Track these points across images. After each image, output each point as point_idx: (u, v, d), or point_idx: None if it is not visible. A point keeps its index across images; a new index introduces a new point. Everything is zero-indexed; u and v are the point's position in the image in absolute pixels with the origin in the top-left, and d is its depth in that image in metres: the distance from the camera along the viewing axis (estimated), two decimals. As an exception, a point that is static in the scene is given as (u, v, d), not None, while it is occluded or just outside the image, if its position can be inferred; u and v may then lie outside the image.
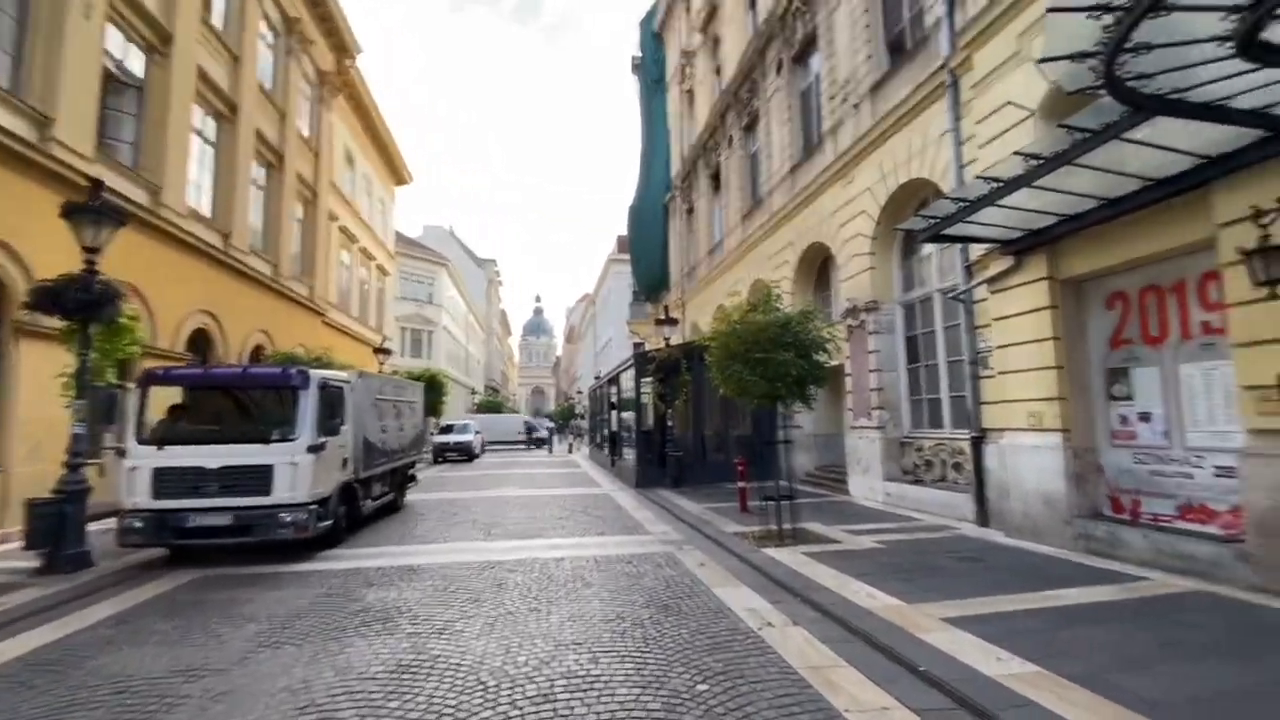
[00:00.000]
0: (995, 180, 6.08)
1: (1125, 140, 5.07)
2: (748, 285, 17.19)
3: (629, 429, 19.61)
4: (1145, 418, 6.89)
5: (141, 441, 7.40)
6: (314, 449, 7.56)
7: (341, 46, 21.98)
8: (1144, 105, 4.49)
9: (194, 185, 13.92)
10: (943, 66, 9.18)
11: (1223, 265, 5.50)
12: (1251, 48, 3.77)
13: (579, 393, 58.39)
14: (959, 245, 8.83)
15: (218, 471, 7.22)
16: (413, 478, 12.69)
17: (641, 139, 30.12)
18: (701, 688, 3.72)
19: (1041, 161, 5.56)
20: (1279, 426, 5.06)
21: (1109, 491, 7.20)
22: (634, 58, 31.63)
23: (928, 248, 10.55)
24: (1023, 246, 7.60)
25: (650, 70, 29.42)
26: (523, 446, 36.64)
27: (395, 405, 11.25)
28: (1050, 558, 6.68)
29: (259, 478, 7.28)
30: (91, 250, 7.24)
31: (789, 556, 6.92)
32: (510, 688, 3.76)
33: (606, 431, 21.99)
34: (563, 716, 3.41)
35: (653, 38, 29.31)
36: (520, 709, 3.50)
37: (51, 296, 7.08)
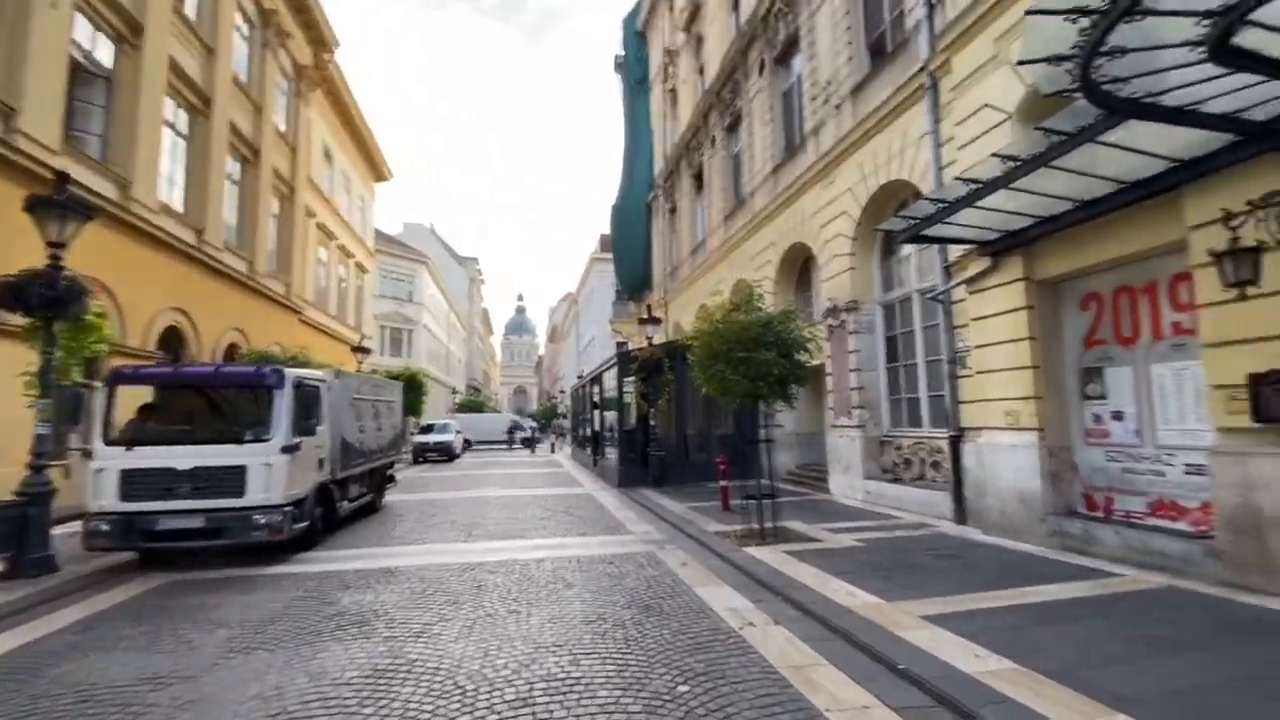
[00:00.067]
0: (973, 181, 6.14)
1: (1100, 143, 5.15)
2: (730, 285, 17.24)
3: (611, 428, 19.58)
4: (1118, 417, 7.02)
5: (109, 442, 7.19)
6: (289, 449, 7.41)
7: (319, 40, 21.63)
8: (1118, 109, 4.56)
9: (166, 179, 13.59)
10: (922, 69, 9.27)
11: (1193, 267, 5.62)
12: (1223, 53, 3.84)
13: (561, 392, 58.18)
14: (938, 246, 8.93)
15: (189, 473, 7.04)
16: (391, 478, 12.53)
17: (625, 138, 30.08)
18: (682, 689, 3.70)
19: (1018, 163, 5.63)
20: (1247, 425, 5.18)
21: (1083, 489, 7.32)
22: (617, 56, 31.56)
23: (907, 249, 10.65)
24: (1000, 248, 7.70)
25: (633, 69, 29.37)
26: (503, 446, 36.42)
27: (373, 405, 11.08)
28: (1026, 555, 6.78)
29: (232, 479, 7.12)
30: (57, 245, 7.02)
31: (770, 555, 6.94)
32: (489, 692, 3.71)
33: (589, 431, 21.93)
34: (542, 720, 3.37)
35: (636, 36, 29.27)
36: (499, 713, 3.45)
37: (14, 292, 6.84)
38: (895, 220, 7.62)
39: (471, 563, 7.14)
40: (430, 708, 3.53)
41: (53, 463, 7.43)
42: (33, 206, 6.98)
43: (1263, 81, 4.27)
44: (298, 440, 7.60)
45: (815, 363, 9.50)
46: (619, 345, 30.31)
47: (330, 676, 3.97)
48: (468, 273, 70.00)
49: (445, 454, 25.72)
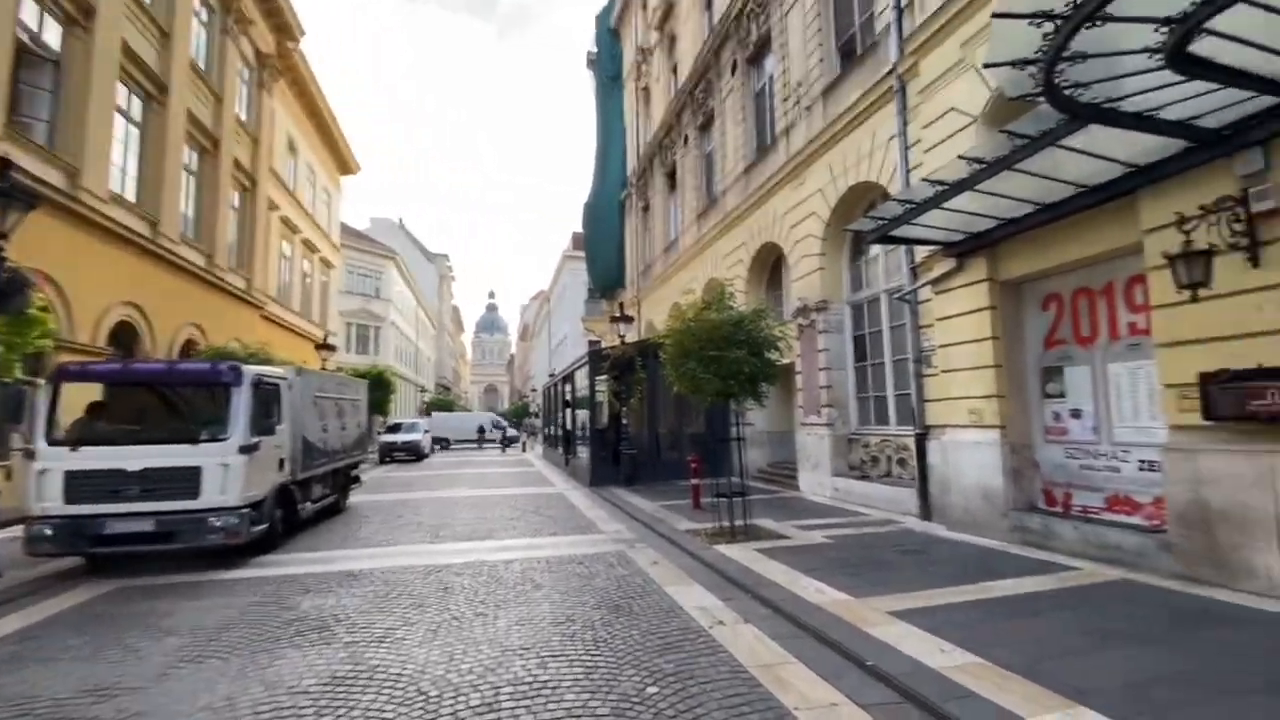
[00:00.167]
0: (940, 183, 6.24)
1: (1061, 147, 5.27)
2: (702, 284, 17.28)
3: (583, 427, 19.47)
4: (1077, 414, 7.22)
5: (52, 442, 6.84)
6: (247, 449, 7.15)
7: (283, 28, 21.00)
8: (1079, 113, 4.66)
9: (118, 169, 13.02)
10: (891, 72, 9.40)
11: (1148, 269, 5.79)
12: (1180, 60, 3.95)
13: (533, 390, 57.73)
14: (905, 247, 9.06)
15: (139, 474, 6.74)
16: (356, 479, 12.22)
17: (597, 135, 29.94)
18: (651, 690, 3.66)
19: (983, 166, 5.73)
20: (1198, 423, 5.35)
21: (1043, 485, 7.51)
22: (589, 53, 31.42)
23: (875, 250, 10.81)
24: (965, 249, 7.85)
25: (606, 66, 29.25)
26: (473, 445, 35.97)
27: (337, 403, 10.79)
28: (989, 550, 6.92)
29: (186, 480, 6.84)
30: (-5, 235, 6.63)
31: (740, 553, 6.95)
32: (453, 697, 3.61)
33: (560, 430, 21.77)
34: (508, 725, 3.29)
35: (609, 33, 29.15)
36: (463, 719, 3.36)
37: (-51, 285, 6.45)
38: (864, 221, 7.70)
39: (438, 564, 6.99)
40: (392, 715, 3.42)
41: (-9, 464, 7.04)
42: (-32, 193, 6.58)
43: (1216, 89, 4.41)
44: (256, 440, 7.35)
45: (785, 362, 9.58)
46: (591, 344, 30.19)
47: (286, 685, 3.82)
48: (437, 269, 68.93)
49: (413, 454, 25.27)
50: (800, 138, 12.29)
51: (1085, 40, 3.91)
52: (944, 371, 8.38)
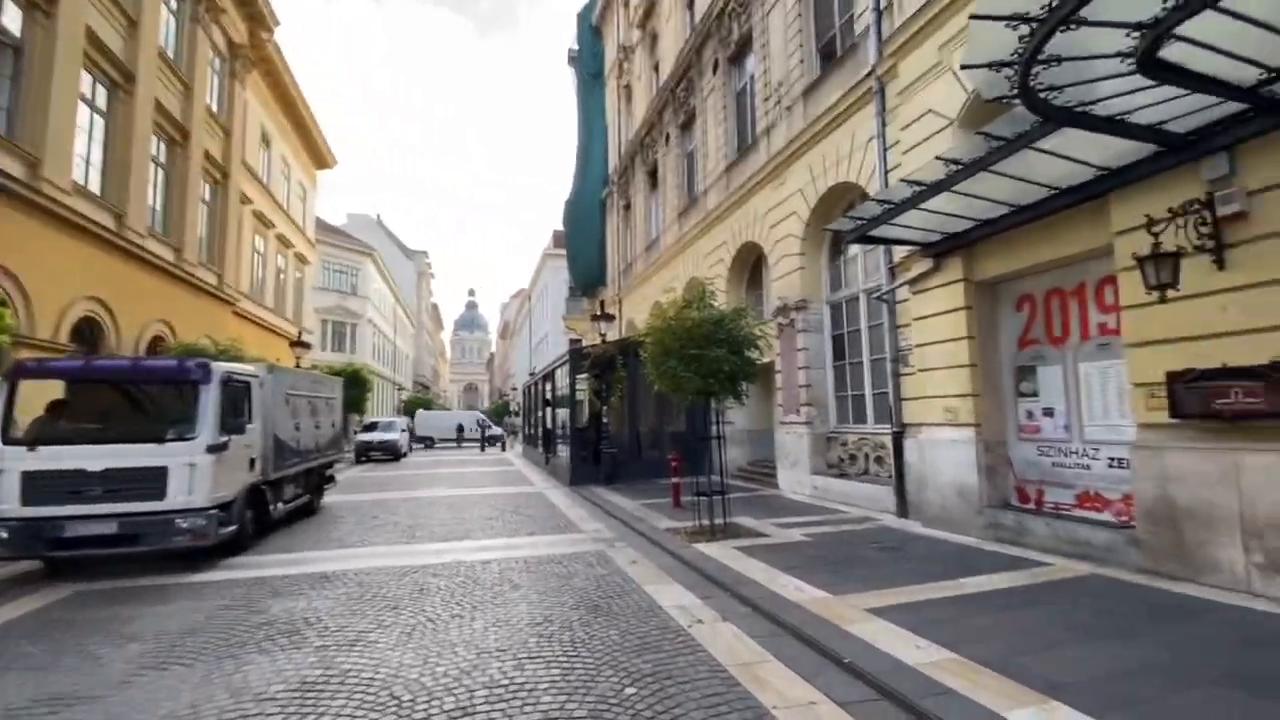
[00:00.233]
0: (917, 184, 6.29)
1: (1036, 149, 5.35)
2: (684, 283, 17.29)
3: (564, 426, 19.36)
4: (1049, 413, 7.34)
5: (9, 441, 6.60)
6: (215, 449, 6.97)
7: (256, 17, 20.52)
8: (1054, 116, 4.73)
9: (81, 159, 12.60)
10: (870, 73, 9.47)
11: (1119, 270, 5.91)
12: (1150, 65, 4.02)
13: (514, 389, 57.32)
14: (883, 247, 9.15)
15: (101, 474, 6.53)
16: (331, 479, 11.99)
17: (578, 132, 29.80)
18: (629, 691, 3.62)
19: (960, 167, 5.79)
20: (1165, 421, 5.47)
21: (1016, 482, 7.63)
22: (570, 50, 31.23)
23: (854, 250, 10.89)
24: (942, 249, 7.94)
25: (588, 64, 29.12)
26: (453, 444, 35.61)
27: (311, 401, 10.57)
28: (963, 546, 7.01)
29: (151, 481, 6.64)
30: (-54, 225, 6.37)
31: (720, 551, 6.95)
32: (427, 701, 3.54)
33: (540, 429, 21.64)
34: (483, 729, 3.23)
35: (591, 31, 29.02)
36: (437, 724, 3.29)
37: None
38: (843, 221, 7.75)
39: (414, 565, 6.88)
40: (363, 721, 3.34)
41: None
42: (-82, 182, 6.31)
43: (1185, 95, 4.50)
44: (225, 439, 7.16)
45: (765, 361, 9.59)
46: (572, 342, 30.07)
47: (253, 691, 3.71)
48: (416, 266, 68.07)
49: (390, 453, 24.90)
50: (781, 138, 12.33)
51: (1060, 44, 3.96)
52: (921, 370, 8.47)
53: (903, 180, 6.54)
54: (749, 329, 8.24)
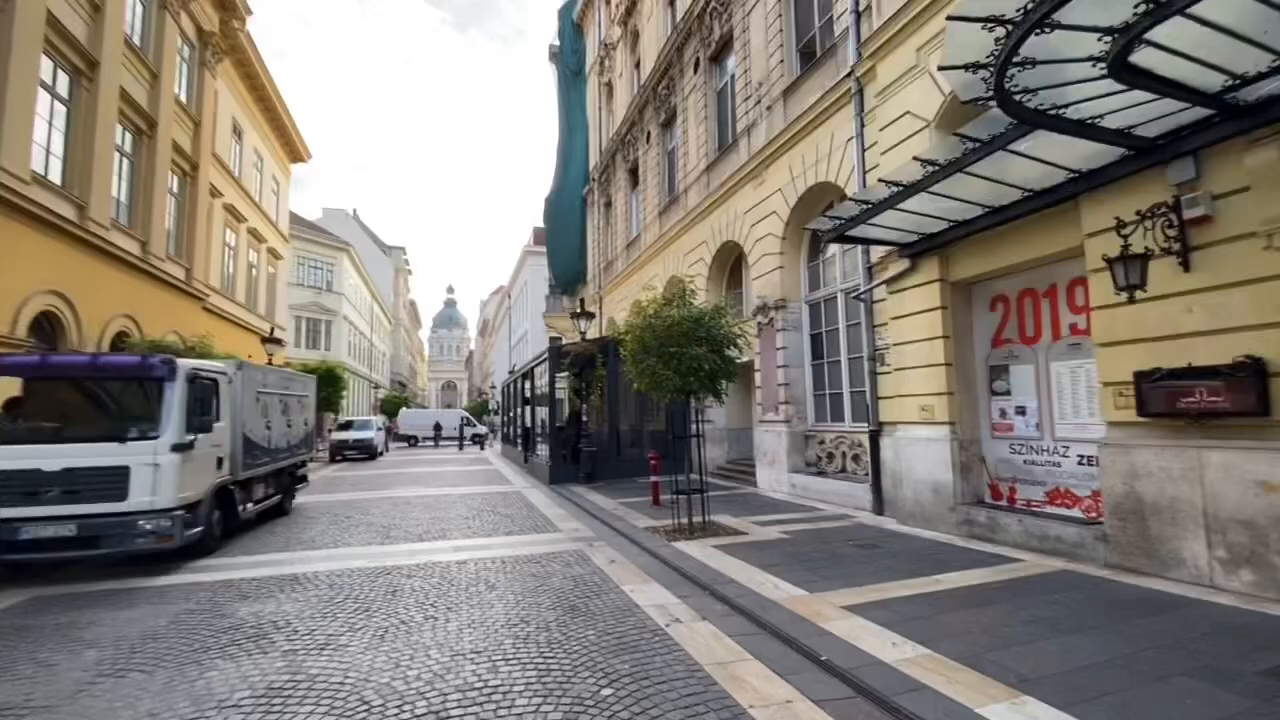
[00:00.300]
0: (895, 184, 6.34)
1: (1010, 152, 5.42)
2: (664, 281, 17.27)
3: (543, 424, 19.23)
4: (1021, 411, 7.47)
5: (-41, 441, 6.32)
6: (180, 448, 6.76)
7: (227, 5, 19.99)
8: (1027, 118, 4.79)
9: (41, 148, 12.14)
10: (849, 74, 9.53)
11: (1089, 272, 6.01)
12: (1121, 70, 4.08)
13: (493, 388, 56.87)
14: (861, 247, 9.22)
15: (59, 475, 6.29)
16: (303, 478, 11.74)
17: (559, 129, 29.60)
18: (606, 692, 3.58)
19: (936, 168, 5.85)
20: (1132, 419, 5.59)
21: (989, 480, 7.75)
22: (552, 46, 31.01)
23: (833, 250, 10.97)
24: (918, 250, 8.02)
25: (569, 60, 28.94)
26: (430, 444, 35.19)
27: (282, 399, 10.33)
28: (938, 543, 7.09)
29: (112, 481, 6.42)
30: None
31: (698, 550, 6.94)
32: (398, 705, 3.46)
33: (519, 427, 21.47)
34: (455, 734, 3.16)
35: (572, 27, 28.84)
36: (408, 729, 3.22)
37: None
38: (822, 220, 7.78)
39: (387, 566, 6.75)
40: (331, 727, 3.25)
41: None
42: None
43: (1153, 100, 4.58)
44: (191, 438, 6.96)
45: (745, 359, 9.62)
46: (552, 340, 29.90)
47: (216, 699, 3.59)
48: (393, 262, 67.09)
49: (366, 452, 24.52)
50: (761, 137, 12.37)
51: (1035, 46, 4.00)
52: (897, 369, 8.56)
53: (881, 180, 6.58)
54: (729, 327, 8.25)
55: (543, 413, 19.57)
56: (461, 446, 31.81)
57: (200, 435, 7.20)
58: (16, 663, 4.25)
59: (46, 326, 12.18)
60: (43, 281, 11.81)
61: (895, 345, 8.59)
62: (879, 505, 8.88)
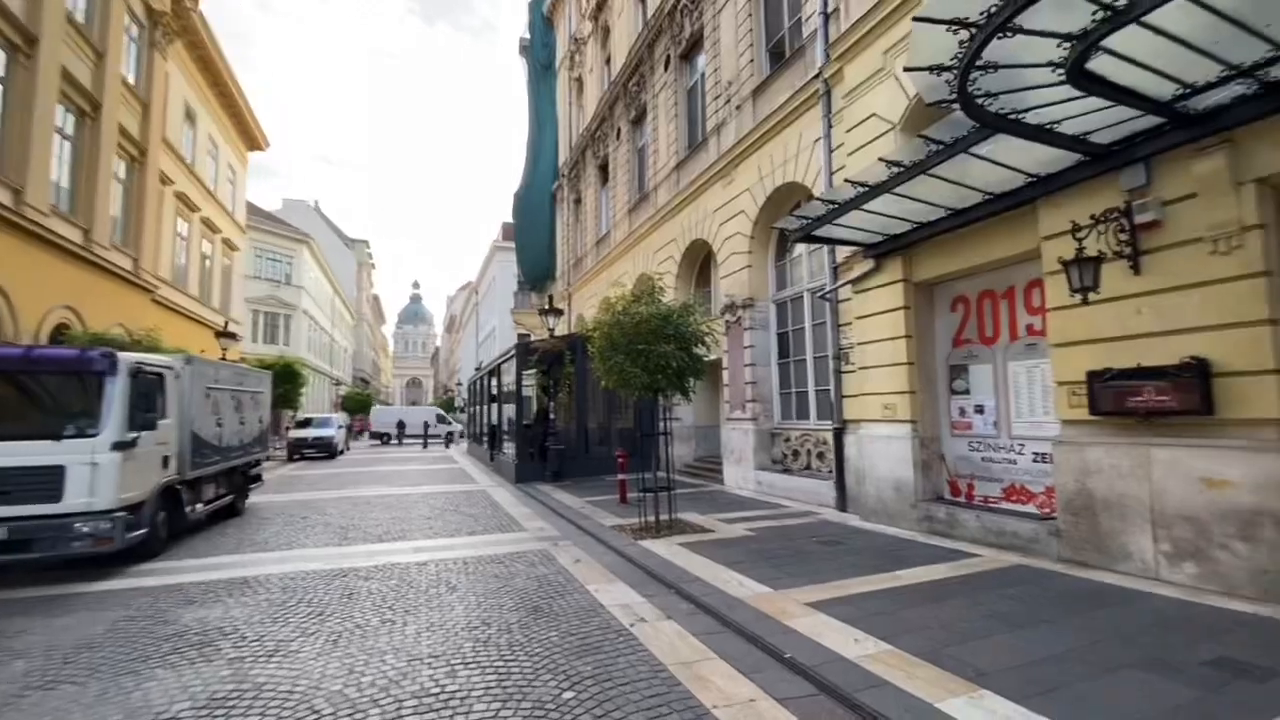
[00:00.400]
0: (860, 184, 6.40)
1: (972, 155, 5.52)
2: (633, 278, 17.22)
3: (510, 422, 18.98)
4: (980, 410, 7.64)
5: (-126, 439, 5.88)
6: (121, 446, 6.42)
7: (180, -15, 19.15)
8: (988, 122, 4.87)
9: (-29, 127, 11.44)
10: (817, 76, 9.61)
11: (1046, 274, 6.17)
12: (1079, 76, 4.18)
13: (459, 385, 56.02)
14: (827, 247, 9.31)
15: (-12, 475, 5.91)
16: (257, 478, 11.32)
17: (529, 123, 29.26)
18: (567, 695, 3.51)
19: (901, 169, 5.92)
20: (1085, 418, 5.76)
21: (949, 477, 7.91)
22: (522, 39, 30.64)
23: (800, 249, 11.07)
24: (883, 250, 8.13)
25: (539, 54, 28.62)
26: (396, 442, 34.47)
27: (235, 396, 9.94)
28: (899, 539, 7.21)
29: (45, 481, 6.07)
30: None
31: (664, 548, 6.91)
32: (349, 714, 3.32)
33: (485, 425, 21.16)
34: (410, 742, 3.05)
35: (542, 21, 28.53)
36: (360, 738, 3.09)
37: None
38: (790, 220, 7.83)
39: (343, 569, 6.53)
40: (278, 738, 3.10)
41: None
42: None
43: (1108, 107, 4.71)
44: (133, 435, 6.62)
45: (713, 357, 9.63)
46: (521, 337, 29.54)
47: (153, 711, 3.40)
48: (357, 256, 65.51)
49: (325, 450, 23.85)
50: (731, 136, 12.41)
51: (997, 51, 4.07)
52: (861, 368, 8.67)
53: (847, 180, 6.64)
54: (697, 325, 8.23)
55: (510, 410, 19.32)
56: (425, 444, 31.18)
57: (144, 433, 6.86)
58: (-67, 677, 3.96)
59: (-23, 317, 11.48)
60: (-27, 269, 11.13)
61: (859, 344, 8.70)
62: (843, 502, 8.99)
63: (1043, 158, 5.67)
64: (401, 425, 35.15)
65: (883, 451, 8.17)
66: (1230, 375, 4.82)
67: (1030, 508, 6.91)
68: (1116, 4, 3.61)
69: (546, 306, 16.02)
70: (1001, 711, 3.15)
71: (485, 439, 20.80)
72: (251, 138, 27.70)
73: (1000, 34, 3.86)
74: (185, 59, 21.03)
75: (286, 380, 23.88)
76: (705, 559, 6.38)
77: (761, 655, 4.05)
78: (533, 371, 15.58)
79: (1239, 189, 4.82)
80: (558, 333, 15.47)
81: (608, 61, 21.05)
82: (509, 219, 34.46)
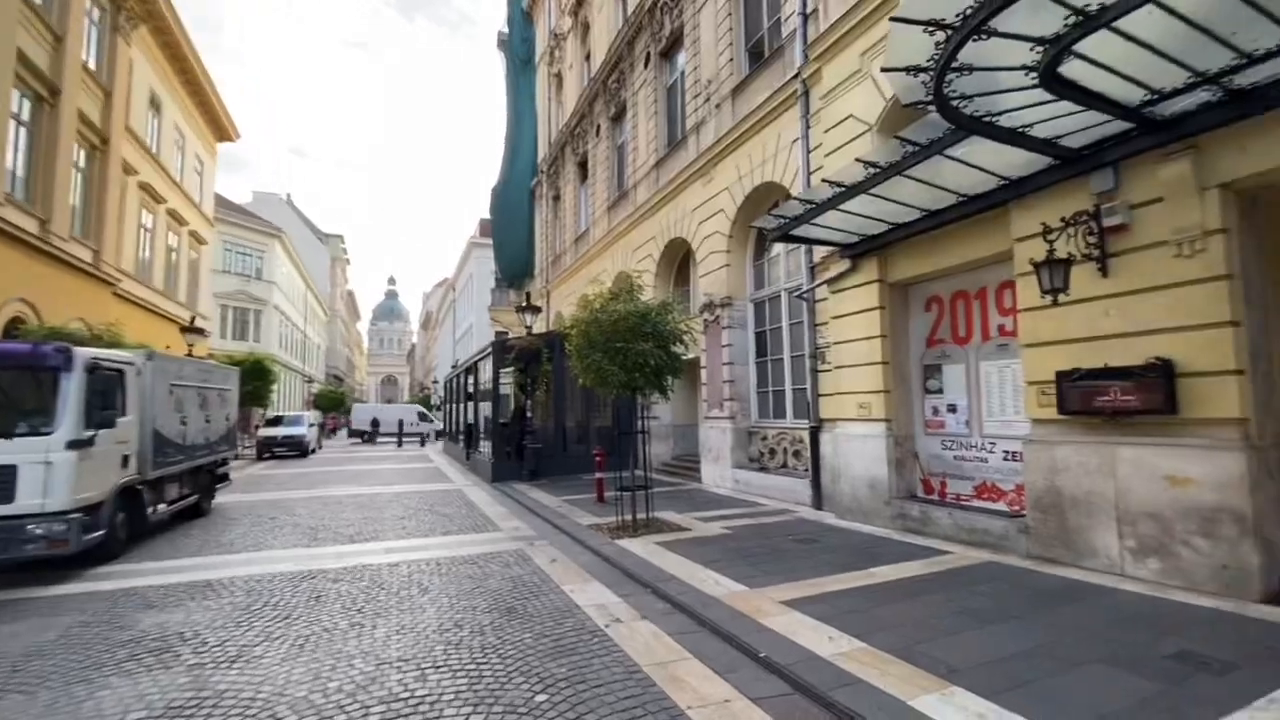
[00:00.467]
0: (837, 185, 6.43)
1: (947, 157, 5.58)
2: (612, 276, 17.13)
3: (487, 421, 18.77)
4: (952, 409, 7.75)
5: None
6: (77, 444, 6.18)
7: (144, -32, 18.55)
8: (963, 124, 4.92)
9: (-82, 111, 10.93)
10: (796, 76, 9.65)
11: (1017, 275, 6.27)
12: (1051, 80, 4.23)
13: (435, 382, 55.34)
14: (805, 247, 9.36)
15: (-70, 475, 5.64)
16: (224, 477, 11.03)
17: (507, 119, 28.96)
18: (540, 698, 3.45)
19: (877, 170, 5.96)
20: (1054, 417, 5.86)
21: (922, 475, 8.01)
22: (501, 33, 30.30)
23: (777, 249, 11.12)
24: (859, 251, 8.20)
25: (518, 49, 28.34)
26: (372, 440, 33.92)
27: (200, 393, 9.66)
28: (873, 537, 7.27)
29: (-5, 481, 5.81)
30: None
31: (641, 547, 6.88)
32: (315, 721, 3.23)
33: (462, 423, 20.91)
34: (377, 749, 2.97)
35: (522, 15, 28.25)
36: (324, 746, 3.00)
37: None
38: (768, 219, 7.85)
39: (311, 570, 6.38)
40: (238, 747, 2.99)
41: None
42: None
43: (1079, 111, 4.79)
44: (90, 434, 6.37)
45: (691, 356, 9.62)
46: (498, 334, 29.23)
47: (107, 720, 3.26)
48: (331, 251, 64.27)
49: (296, 449, 23.36)
50: (710, 135, 12.41)
51: (973, 53, 4.10)
52: (837, 367, 8.73)
53: (824, 181, 6.68)
54: (675, 323, 8.21)
55: (486, 408, 19.12)
56: (400, 443, 30.73)
57: (102, 431, 6.61)
58: None
59: (-75, 310, 10.98)
60: (-80, 260, 10.63)
61: (835, 344, 8.76)
62: (818, 500, 9.05)
63: (1015, 161, 5.76)
64: (375, 423, 34.56)
65: (858, 450, 8.24)
66: (1193, 375, 4.94)
67: (1001, 505, 7.02)
68: (1088, 9, 3.66)
69: (524, 304, 15.87)
70: (972, 707, 3.18)
71: (461, 438, 20.56)
72: (221, 128, 26.98)
73: (976, 36, 3.89)
74: (150, 45, 20.38)
75: (256, 377, 23.34)
76: (682, 558, 6.37)
77: (737, 654, 4.04)
78: (510, 369, 15.43)
79: (1203, 194, 4.94)
80: (536, 330, 15.34)
81: (588, 58, 20.92)
82: (487, 215, 34.07)
